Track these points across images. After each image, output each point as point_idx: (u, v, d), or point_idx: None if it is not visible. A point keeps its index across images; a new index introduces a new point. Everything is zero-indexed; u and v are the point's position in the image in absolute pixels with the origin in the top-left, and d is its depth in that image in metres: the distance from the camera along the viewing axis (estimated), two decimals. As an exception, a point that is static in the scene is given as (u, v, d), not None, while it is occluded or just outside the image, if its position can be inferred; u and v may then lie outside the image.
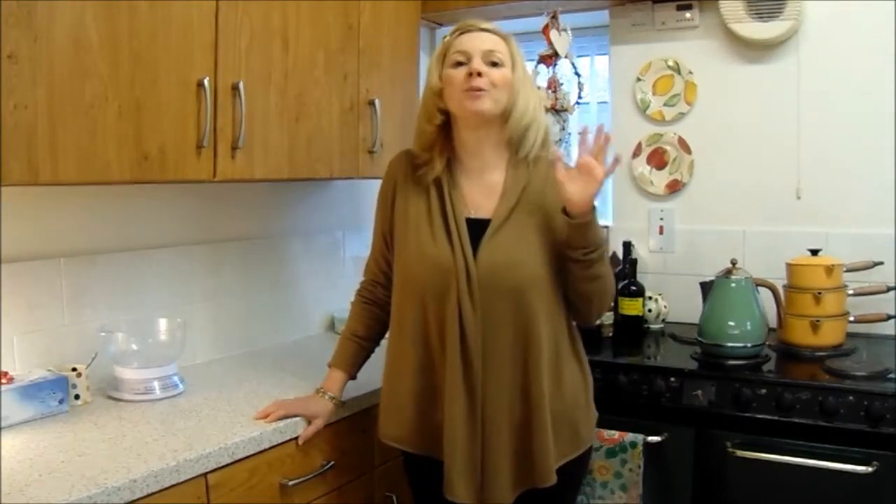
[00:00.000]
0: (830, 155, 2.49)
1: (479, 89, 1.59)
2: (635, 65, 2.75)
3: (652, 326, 2.59)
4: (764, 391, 2.00)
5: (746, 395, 2.00)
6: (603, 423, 1.81)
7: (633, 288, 2.50)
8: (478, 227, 1.63)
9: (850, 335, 2.29)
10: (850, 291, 2.29)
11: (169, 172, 1.72)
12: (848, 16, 2.44)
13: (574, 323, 1.72)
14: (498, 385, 1.59)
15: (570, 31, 2.62)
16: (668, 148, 2.72)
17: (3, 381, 1.66)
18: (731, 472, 2.02)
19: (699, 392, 2.07)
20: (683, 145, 2.69)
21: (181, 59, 1.73)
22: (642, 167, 2.76)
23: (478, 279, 1.58)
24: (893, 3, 2.36)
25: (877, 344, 2.31)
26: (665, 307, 2.60)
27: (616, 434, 2.09)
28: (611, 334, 2.50)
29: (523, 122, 1.64)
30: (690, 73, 2.67)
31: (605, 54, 2.90)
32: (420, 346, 1.64)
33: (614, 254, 2.70)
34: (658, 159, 2.74)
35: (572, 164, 1.60)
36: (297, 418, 1.72)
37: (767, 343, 2.23)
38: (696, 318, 2.30)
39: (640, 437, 2.08)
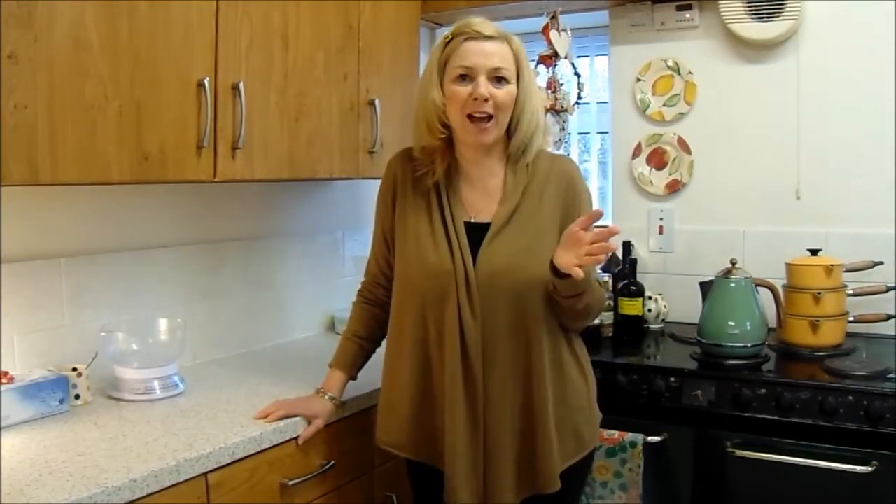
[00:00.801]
0: (830, 155, 2.49)
1: (484, 118, 1.56)
2: (635, 65, 2.75)
3: (652, 326, 2.59)
4: (764, 391, 2.00)
5: (746, 395, 2.01)
6: (603, 423, 1.80)
7: (633, 288, 2.50)
8: (478, 232, 1.62)
9: (849, 335, 2.29)
10: (850, 291, 2.29)
11: (169, 172, 1.72)
12: (848, 16, 2.44)
13: None
14: (499, 392, 1.58)
15: (569, 32, 2.62)
16: (667, 148, 2.72)
17: (4, 380, 1.66)
18: (730, 472, 2.02)
19: (699, 392, 2.07)
20: (683, 145, 2.69)
21: (181, 59, 1.73)
22: (642, 167, 2.76)
23: (477, 285, 1.57)
24: (893, 3, 2.36)
25: (876, 344, 2.31)
26: (665, 307, 2.60)
27: (616, 434, 2.09)
28: (611, 334, 2.50)
29: (528, 135, 1.63)
30: (690, 73, 2.67)
31: (604, 54, 2.90)
32: (419, 351, 1.63)
33: (614, 254, 2.70)
34: (658, 159, 2.74)
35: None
36: (298, 418, 1.72)
37: (767, 343, 2.23)
38: (695, 318, 2.30)
39: (640, 437, 2.08)
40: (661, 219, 2.74)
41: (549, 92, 2.58)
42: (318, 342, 2.53)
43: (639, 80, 2.75)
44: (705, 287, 2.31)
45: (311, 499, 1.77)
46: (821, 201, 2.51)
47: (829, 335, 2.24)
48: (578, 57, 2.82)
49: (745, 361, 2.14)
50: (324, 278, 2.68)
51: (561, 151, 2.63)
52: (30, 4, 1.43)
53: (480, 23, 1.59)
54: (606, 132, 2.94)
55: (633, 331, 2.50)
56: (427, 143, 1.65)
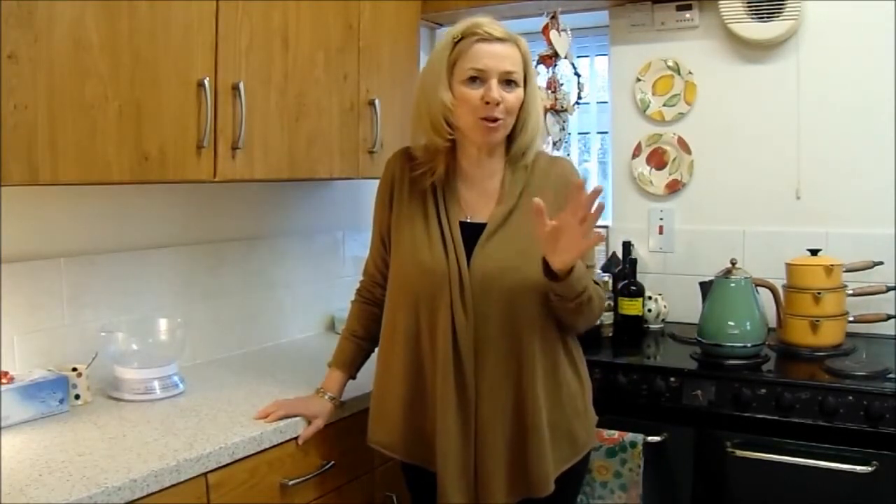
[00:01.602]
0: (830, 155, 2.49)
1: (496, 119, 1.55)
2: (635, 65, 2.75)
3: (652, 326, 2.59)
4: (763, 391, 2.00)
5: (746, 394, 2.01)
6: (603, 423, 1.81)
7: (633, 288, 2.50)
8: (474, 232, 1.61)
9: (849, 335, 2.29)
10: (850, 291, 2.29)
11: (169, 173, 1.72)
12: (848, 16, 2.44)
13: None
14: (491, 394, 1.57)
15: (569, 32, 2.62)
16: (667, 148, 2.72)
17: (4, 380, 1.66)
18: (730, 471, 2.02)
19: (699, 392, 2.07)
20: (683, 145, 2.69)
21: (181, 59, 1.73)
22: (642, 167, 2.76)
23: (471, 286, 1.56)
24: (893, 3, 2.36)
25: (876, 344, 2.31)
26: (665, 307, 2.60)
27: (616, 434, 2.09)
28: (610, 334, 2.50)
29: (532, 138, 1.63)
30: (690, 73, 2.67)
31: (604, 54, 2.90)
32: (411, 351, 1.62)
33: (614, 254, 2.71)
34: (658, 159, 2.74)
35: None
36: (297, 418, 1.73)
37: (767, 343, 2.23)
38: (695, 318, 2.30)
39: (639, 437, 2.08)
40: (661, 219, 2.74)
41: (549, 92, 2.59)
42: (317, 342, 2.53)
43: (639, 80, 2.75)
44: (705, 287, 2.31)
45: (311, 499, 1.77)
46: (821, 201, 2.51)
47: (829, 335, 2.24)
48: (578, 57, 2.82)
49: (745, 361, 2.14)
50: (324, 278, 2.68)
51: (561, 152, 2.63)
52: (30, 4, 1.43)
53: (490, 24, 1.58)
54: (606, 132, 2.94)
55: (633, 331, 2.50)
56: (430, 142, 1.64)
